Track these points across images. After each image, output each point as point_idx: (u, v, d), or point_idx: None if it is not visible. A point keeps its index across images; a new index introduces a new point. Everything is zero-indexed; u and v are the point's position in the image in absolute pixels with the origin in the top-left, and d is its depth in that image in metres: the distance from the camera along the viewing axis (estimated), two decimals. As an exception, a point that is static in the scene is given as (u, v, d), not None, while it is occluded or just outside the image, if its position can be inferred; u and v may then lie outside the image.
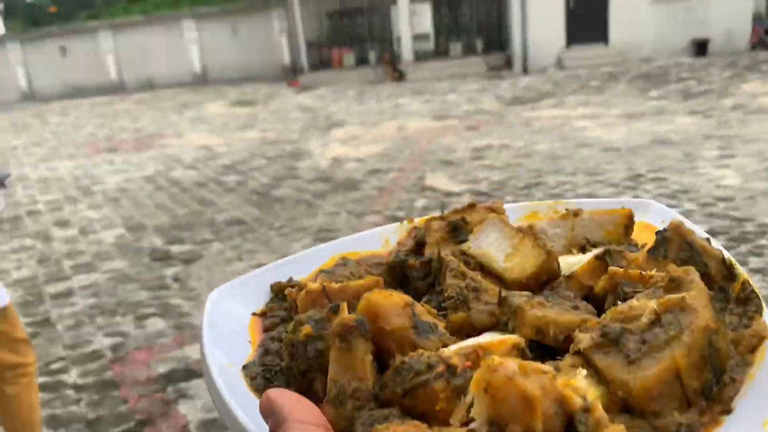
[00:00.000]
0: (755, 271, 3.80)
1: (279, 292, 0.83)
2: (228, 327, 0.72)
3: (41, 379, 3.39)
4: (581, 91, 11.49)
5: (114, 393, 3.21)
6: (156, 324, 3.94)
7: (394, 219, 5.42)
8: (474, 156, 7.47)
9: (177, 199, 6.83)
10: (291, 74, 18.81)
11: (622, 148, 7.11)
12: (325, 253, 0.94)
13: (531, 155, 7.22)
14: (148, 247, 5.34)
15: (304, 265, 0.93)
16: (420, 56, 16.83)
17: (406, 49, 16.59)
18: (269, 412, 0.43)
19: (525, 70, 15.08)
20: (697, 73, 12.22)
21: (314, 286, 0.73)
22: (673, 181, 5.70)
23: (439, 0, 16.92)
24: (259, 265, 4.30)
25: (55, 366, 3.54)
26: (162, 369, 3.39)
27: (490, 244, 0.85)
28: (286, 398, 0.43)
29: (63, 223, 6.29)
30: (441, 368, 0.53)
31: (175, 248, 5.25)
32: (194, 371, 3.32)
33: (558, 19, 14.95)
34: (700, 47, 14.48)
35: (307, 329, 0.65)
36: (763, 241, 4.19)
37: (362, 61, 17.24)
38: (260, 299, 0.79)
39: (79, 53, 20.11)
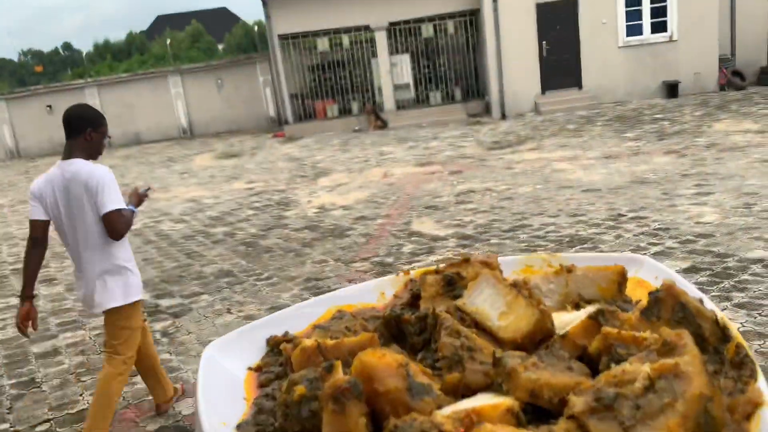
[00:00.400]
0: (739, 306, 3.88)
1: (275, 346, 0.81)
2: (223, 383, 0.69)
3: (28, 442, 3.33)
4: (559, 135, 11.78)
5: (103, 453, 3.15)
6: (145, 380, 3.89)
7: (383, 265, 5.47)
8: (458, 200, 7.59)
9: (165, 252, 6.83)
10: (276, 126, 19.08)
11: (602, 189, 7.28)
12: (322, 306, 0.95)
13: (514, 198, 7.36)
14: (136, 302, 5.31)
15: (300, 318, 0.91)
16: (401, 105, 17.21)
17: (388, 98, 16.97)
18: None
19: (503, 116, 15.46)
20: (670, 114, 12.61)
21: (309, 342, 0.72)
22: (654, 220, 5.83)
23: (418, 52, 17.44)
24: (248, 318, 4.29)
25: (40, 429, 3.47)
26: (152, 427, 3.34)
27: (484, 301, 0.85)
28: None
29: (49, 281, 6.25)
30: None
31: (163, 302, 5.23)
32: (185, 428, 3.28)
33: (533, 66, 15.45)
34: (671, 89, 14.98)
35: (300, 389, 0.64)
36: (745, 276, 4.29)
37: (345, 111, 17.58)
38: (256, 353, 0.77)
39: (65, 111, 20.26)
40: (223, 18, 70.89)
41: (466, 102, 16.97)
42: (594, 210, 6.44)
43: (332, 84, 17.67)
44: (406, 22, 16.70)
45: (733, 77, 15.05)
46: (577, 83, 15.56)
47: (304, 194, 9.15)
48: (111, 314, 2.99)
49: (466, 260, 1.06)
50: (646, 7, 15.07)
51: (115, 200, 2.89)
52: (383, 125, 16.23)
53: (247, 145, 16.29)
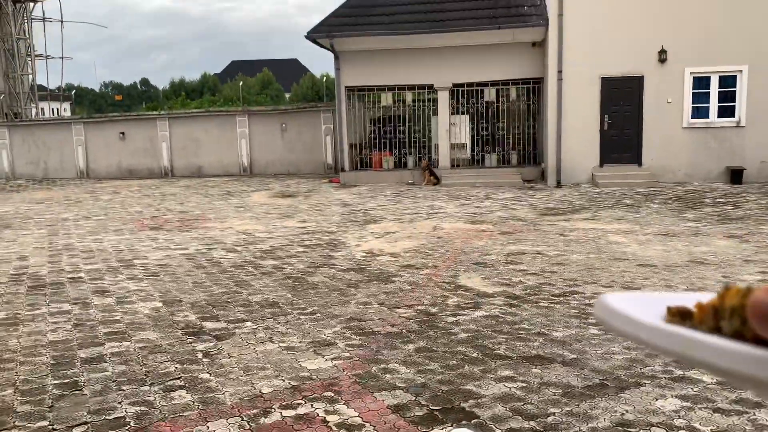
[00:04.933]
0: (802, 395, 3.64)
1: (679, 313, 0.57)
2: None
3: (65, 440, 3.36)
4: (615, 208, 11.60)
5: (134, 462, 3.17)
6: (183, 397, 3.92)
7: (426, 314, 5.42)
8: (508, 260, 7.50)
9: (215, 278, 6.97)
10: (332, 173, 19.51)
11: (658, 265, 7.07)
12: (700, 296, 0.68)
13: (565, 264, 7.23)
14: (182, 321, 5.41)
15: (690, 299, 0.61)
16: (456, 164, 17.37)
17: (444, 156, 17.19)
18: None
19: (559, 184, 15.37)
20: (733, 199, 12.27)
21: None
22: (712, 300, 5.60)
23: (478, 114, 17.70)
24: (289, 348, 4.34)
25: (77, 430, 3.52)
26: None
27: None
28: None
29: (102, 292, 6.45)
30: None
31: (208, 324, 5.31)
32: None
33: (592, 138, 15.42)
34: (735, 175, 14.62)
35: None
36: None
37: (401, 164, 17.86)
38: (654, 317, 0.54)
39: (137, 139, 21.37)
40: (293, 68, 74.14)
41: (521, 167, 16.99)
42: (649, 285, 6.25)
43: (391, 137, 18.05)
44: (470, 84, 17.05)
45: (803, 169, 14.58)
46: (637, 160, 15.39)
47: (354, 238, 9.24)
48: None
49: None
50: (714, 90, 14.95)
51: None
52: (437, 181, 16.37)
53: (303, 187, 16.68)
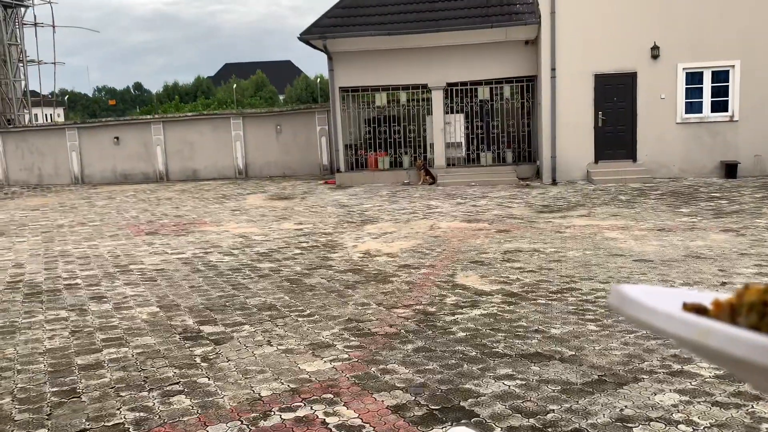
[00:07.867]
0: (800, 388, 3.65)
1: (694, 309, 0.56)
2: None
3: (64, 448, 3.35)
4: (611, 204, 11.62)
5: (134, 468, 3.15)
6: (182, 402, 3.92)
7: (425, 314, 5.42)
8: (505, 258, 7.51)
9: (212, 281, 6.96)
10: (328, 174, 19.49)
11: (654, 260, 7.09)
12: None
13: (562, 261, 7.24)
14: (180, 326, 5.40)
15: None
16: (452, 163, 17.38)
17: (439, 155, 17.19)
18: None
19: (554, 182, 15.40)
20: (728, 193, 12.31)
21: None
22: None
23: (473, 112, 17.72)
24: (287, 351, 4.33)
25: (77, 437, 3.51)
26: (184, 447, 3.33)
27: None
28: None
29: (99, 298, 6.43)
30: None
31: (206, 328, 5.30)
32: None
33: (587, 135, 15.45)
34: (730, 169, 14.67)
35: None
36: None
37: (396, 164, 17.86)
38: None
39: (131, 143, 21.30)
40: (287, 70, 74.12)
41: (516, 165, 17.01)
42: (646, 280, 6.26)
43: (386, 137, 18.05)
44: (464, 83, 17.06)
45: (797, 162, 14.64)
46: (632, 156, 15.43)
47: (350, 239, 9.24)
48: None
49: None
50: (707, 85, 14.99)
51: None
52: (432, 181, 16.38)
53: (299, 189, 16.66)
